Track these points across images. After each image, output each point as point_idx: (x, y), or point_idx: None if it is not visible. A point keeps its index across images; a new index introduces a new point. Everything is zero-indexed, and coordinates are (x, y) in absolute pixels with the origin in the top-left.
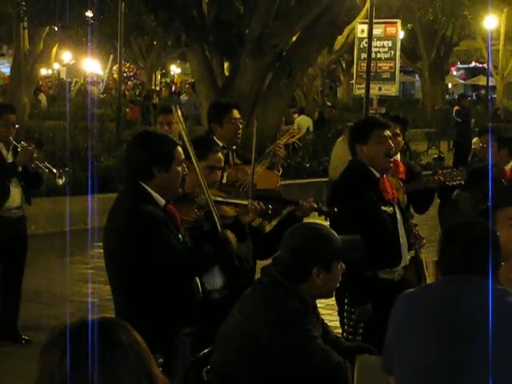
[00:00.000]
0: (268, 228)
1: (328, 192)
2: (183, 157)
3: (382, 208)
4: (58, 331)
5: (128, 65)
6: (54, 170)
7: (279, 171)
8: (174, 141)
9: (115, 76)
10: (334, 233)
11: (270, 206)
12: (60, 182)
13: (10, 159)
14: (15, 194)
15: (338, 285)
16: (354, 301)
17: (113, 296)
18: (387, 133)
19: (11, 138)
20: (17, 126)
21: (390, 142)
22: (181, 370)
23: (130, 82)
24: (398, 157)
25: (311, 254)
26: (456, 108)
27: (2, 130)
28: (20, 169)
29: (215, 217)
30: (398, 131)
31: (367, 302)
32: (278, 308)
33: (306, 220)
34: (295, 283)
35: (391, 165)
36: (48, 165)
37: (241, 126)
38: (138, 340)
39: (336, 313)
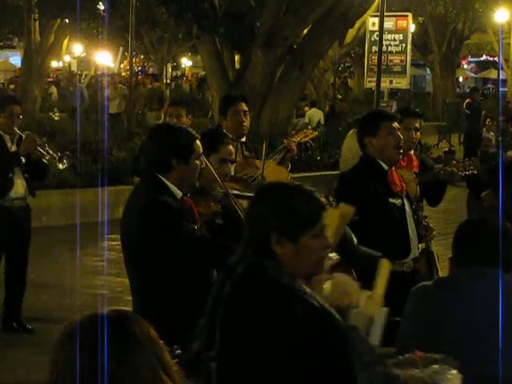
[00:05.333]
0: None
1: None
2: (201, 150)
3: (390, 200)
4: (70, 327)
5: (135, 60)
6: (54, 155)
7: (288, 167)
8: (193, 134)
9: (123, 73)
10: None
11: None
12: (61, 166)
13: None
14: (18, 185)
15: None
16: None
17: (130, 287)
18: (395, 125)
19: (16, 129)
20: (21, 116)
21: (399, 133)
22: None
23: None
24: (412, 151)
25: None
26: (467, 101)
27: (6, 122)
28: (23, 160)
29: (236, 207)
30: (418, 125)
31: None
32: None
33: None
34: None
35: (400, 157)
36: (49, 149)
37: (244, 119)
38: (151, 332)
39: None
